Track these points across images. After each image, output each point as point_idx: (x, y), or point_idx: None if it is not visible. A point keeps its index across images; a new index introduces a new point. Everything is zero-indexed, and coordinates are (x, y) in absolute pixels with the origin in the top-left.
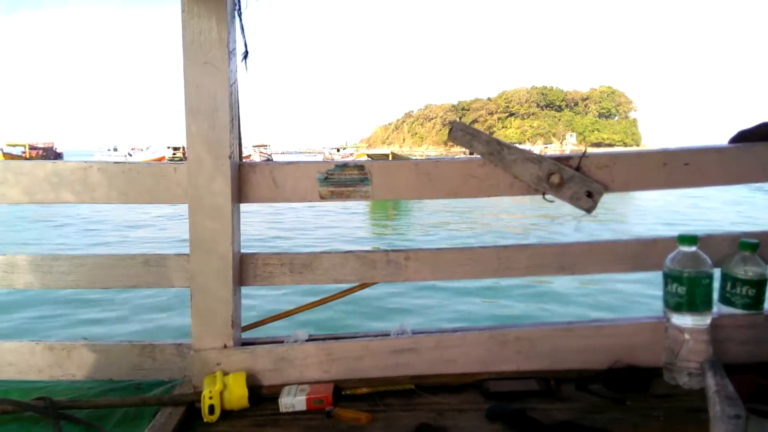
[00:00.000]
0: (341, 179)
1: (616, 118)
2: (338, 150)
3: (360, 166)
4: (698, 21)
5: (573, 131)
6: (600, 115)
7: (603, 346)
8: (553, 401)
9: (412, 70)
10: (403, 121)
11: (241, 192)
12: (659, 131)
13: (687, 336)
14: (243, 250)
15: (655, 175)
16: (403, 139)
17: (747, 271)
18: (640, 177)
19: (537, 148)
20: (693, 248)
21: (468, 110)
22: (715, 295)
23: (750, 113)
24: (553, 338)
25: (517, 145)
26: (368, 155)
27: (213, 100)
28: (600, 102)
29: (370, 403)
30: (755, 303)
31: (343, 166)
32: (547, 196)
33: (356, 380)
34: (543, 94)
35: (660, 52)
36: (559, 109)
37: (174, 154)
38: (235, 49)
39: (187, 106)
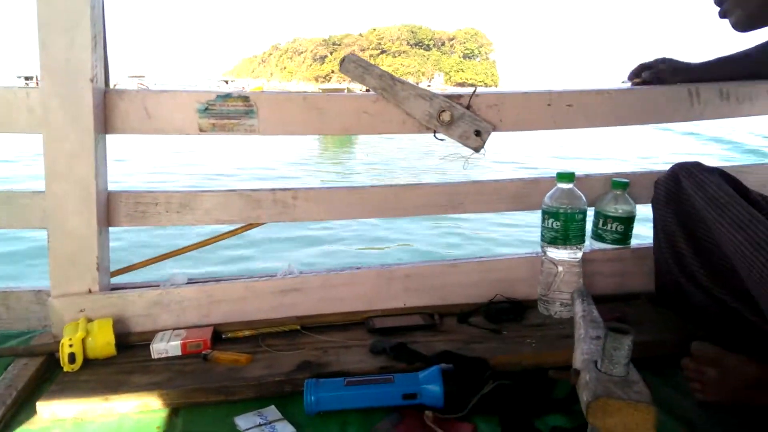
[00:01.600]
0: (223, 111)
1: (478, 59)
2: (226, 82)
3: (245, 98)
4: None
5: (440, 71)
6: (464, 56)
7: (485, 281)
8: (435, 334)
9: None
10: (270, 54)
11: (107, 121)
12: (515, 72)
13: (560, 268)
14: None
15: (540, 116)
16: (271, 74)
17: (617, 208)
18: (526, 117)
19: None
20: (570, 185)
21: (339, 45)
22: (589, 232)
23: (604, 58)
24: (439, 275)
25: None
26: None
27: (71, 13)
28: (465, 43)
29: (253, 344)
30: (623, 238)
31: (226, 96)
32: (438, 135)
33: (239, 323)
34: (413, 32)
35: None
36: (428, 48)
37: (26, 85)
38: None
39: (39, 21)
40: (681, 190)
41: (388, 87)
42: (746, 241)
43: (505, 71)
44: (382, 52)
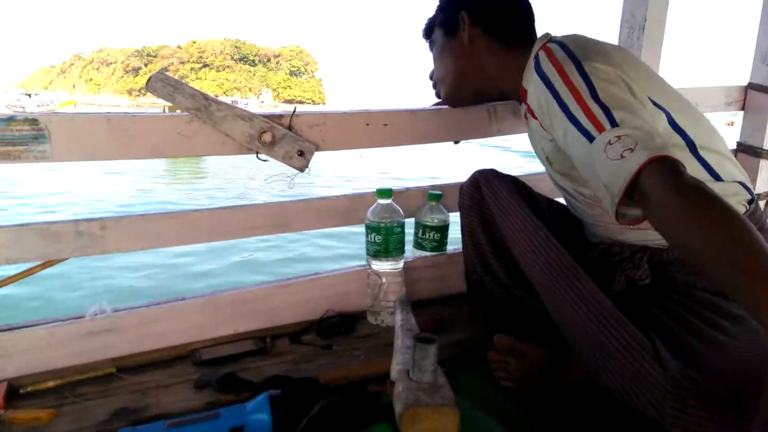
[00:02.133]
0: (6, 136)
1: (305, 76)
2: (29, 96)
3: (32, 120)
4: None
5: (268, 87)
6: (291, 73)
7: (317, 297)
8: (266, 358)
9: (81, 5)
10: (72, 64)
11: None
12: (341, 90)
13: (384, 280)
14: None
15: (360, 135)
16: (74, 86)
17: (433, 218)
18: (347, 136)
19: (243, 102)
20: (388, 201)
21: (155, 57)
22: (411, 241)
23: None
24: (271, 296)
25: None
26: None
27: None
28: (290, 60)
29: (58, 396)
30: (440, 245)
31: (8, 119)
32: (261, 156)
33: (42, 374)
34: (237, 47)
35: (340, 15)
36: (253, 64)
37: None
38: None
39: None
40: (482, 195)
41: (203, 107)
42: (528, 246)
43: (332, 89)
44: (205, 65)
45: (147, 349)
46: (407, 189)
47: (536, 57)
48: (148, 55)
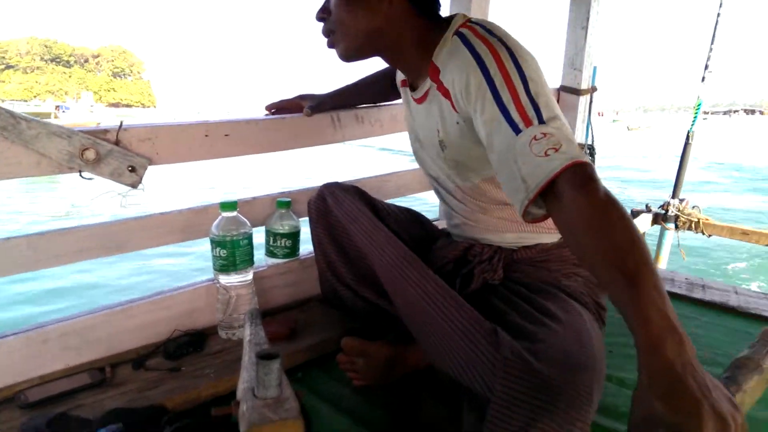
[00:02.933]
0: None
1: (131, 78)
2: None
3: None
4: None
5: (88, 90)
6: (114, 75)
7: (163, 318)
8: (106, 390)
9: None
10: None
11: None
12: (172, 92)
13: (233, 293)
14: None
15: (198, 147)
16: None
17: (284, 225)
18: (184, 149)
19: (63, 106)
20: (233, 213)
21: None
22: (263, 251)
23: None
24: (108, 323)
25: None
26: None
27: None
28: (113, 61)
29: None
30: (292, 252)
31: None
32: (84, 174)
33: None
34: (47, 47)
35: (165, 13)
36: (69, 65)
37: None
38: None
39: None
40: (327, 207)
41: (10, 126)
42: (372, 246)
43: (162, 91)
44: (8, 67)
45: None
46: (254, 198)
47: (460, 35)
48: None
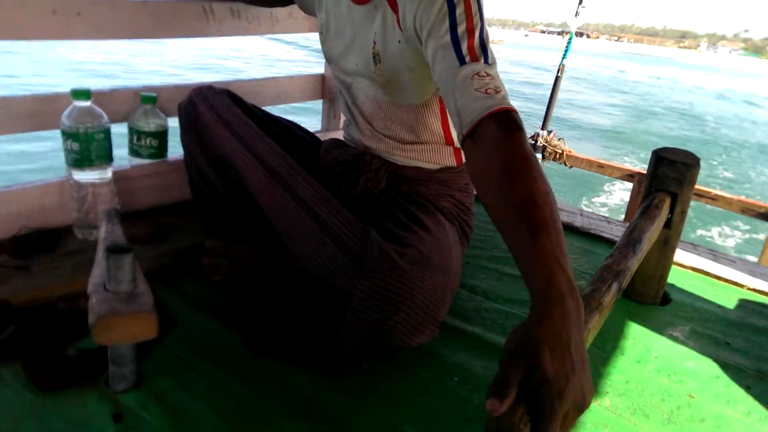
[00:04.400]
0: None
1: None
2: None
3: None
4: None
5: None
6: None
7: (7, 214)
8: None
9: None
10: None
11: None
12: None
13: (89, 191)
14: None
15: (44, 24)
16: None
17: (149, 123)
18: (26, 24)
19: None
20: (87, 103)
21: None
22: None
23: None
24: None
25: None
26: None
27: None
28: None
29: None
30: (159, 152)
31: None
32: None
33: None
34: None
35: None
36: None
37: None
38: None
39: None
40: (198, 114)
41: None
42: (248, 153)
43: None
44: None
45: None
46: (114, 89)
47: None
48: None
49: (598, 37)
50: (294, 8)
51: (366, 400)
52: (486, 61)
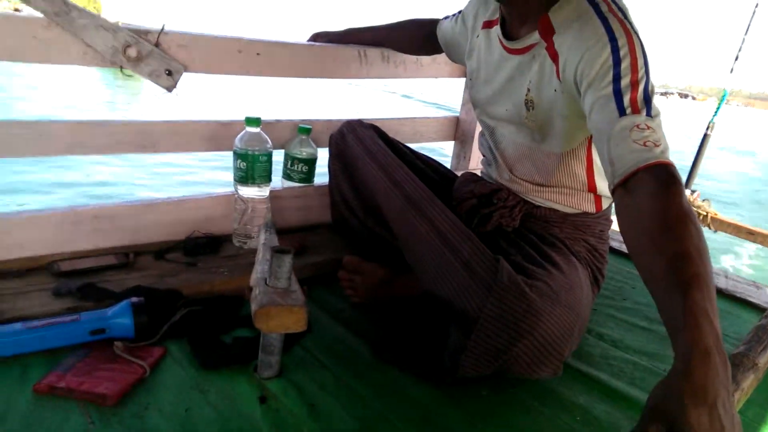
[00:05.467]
0: None
1: None
2: None
3: None
4: None
5: None
6: None
7: (183, 219)
8: (129, 272)
9: None
10: None
11: None
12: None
13: (249, 205)
14: None
15: (231, 61)
16: None
17: (302, 151)
18: (218, 61)
19: None
20: (256, 129)
21: None
22: (280, 172)
23: None
24: (135, 215)
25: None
26: None
27: None
28: None
29: None
30: (308, 177)
31: None
32: (125, 71)
33: None
34: None
35: None
36: None
37: None
38: None
39: None
40: (346, 144)
41: (62, 12)
42: (389, 181)
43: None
44: None
45: (3, 258)
46: (278, 121)
47: (592, 2)
48: None
49: (705, 100)
50: (438, 55)
51: (481, 423)
52: (648, 114)
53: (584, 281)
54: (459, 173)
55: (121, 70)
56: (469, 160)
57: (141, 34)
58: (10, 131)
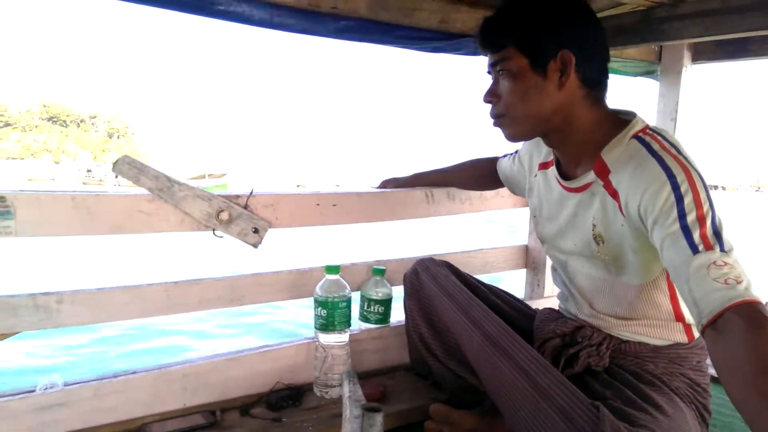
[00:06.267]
0: None
1: (124, 139)
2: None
3: (0, 197)
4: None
5: (84, 149)
6: (109, 135)
7: (267, 370)
8: None
9: None
10: None
11: None
12: (163, 152)
13: (330, 352)
14: None
15: (311, 214)
16: None
17: (378, 292)
18: (299, 215)
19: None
20: (336, 276)
21: None
22: (357, 314)
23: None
24: (220, 370)
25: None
26: None
27: None
28: (109, 122)
29: None
30: (384, 318)
31: None
32: (217, 233)
33: None
34: (45, 107)
35: (155, 79)
36: (65, 125)
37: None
38: None
39: None
40: (421, 282)
41: (165, 188)
42: (467, 320)
43: (152, 151)
44: (7, 125)
45: (98, 423)
46: (353, 264)
47: (642, 141)
48: None
49: (734, 189)
50: (501, 188)
51: None
52: (722, 249)
53: (692, 423)
54: (533, 303)
55: (213, 233)
56: (544, 287)
57: (232, 198)
58: (113, 298)
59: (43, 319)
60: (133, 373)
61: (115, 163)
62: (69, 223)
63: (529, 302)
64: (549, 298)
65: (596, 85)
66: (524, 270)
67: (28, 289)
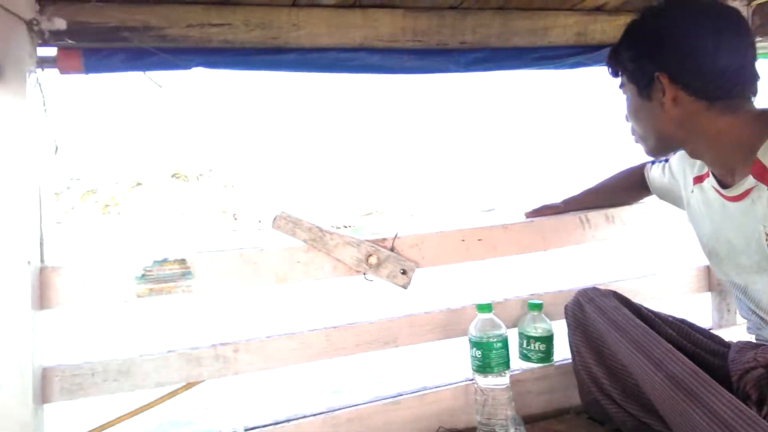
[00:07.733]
0: (160, 275)
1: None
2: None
3: (181, 260)
4: None
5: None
6: (224, 186)
7: (428, 413)
8: None
9: None
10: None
11: (42, 298)
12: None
13: (489, 395)
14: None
15: (456, 251)
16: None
17: (537, 328)
18: (444, 253)
19: None
20: (489, 315)
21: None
22: (517, 353)
23: None
24: (382, 413)
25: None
26: None
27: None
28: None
29: None
30: (546, 356)
31: (162, 261)
32: (367, 276)
33: None
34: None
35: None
36: (186, 180)
37: None
38: None
39: None
40: (586, 315)
41: (318, 238)
42: (647, 359)
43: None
44: (138, 184)
45: None
46: (506, 300)
47: None
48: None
49: None
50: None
51: None
52: None
53: None
54: (724, 332)
55: (364, 276)
56: (735, 313)
57: (379, 242)
58: (280, 345)
59: (222, 367)
60: (303, 417)
61: (273, 220)
62: (238, 277)
63: (718, 332)
64: (743, 325)
65: (717, 95)
66: (708, 294)
67: (209, 340)
